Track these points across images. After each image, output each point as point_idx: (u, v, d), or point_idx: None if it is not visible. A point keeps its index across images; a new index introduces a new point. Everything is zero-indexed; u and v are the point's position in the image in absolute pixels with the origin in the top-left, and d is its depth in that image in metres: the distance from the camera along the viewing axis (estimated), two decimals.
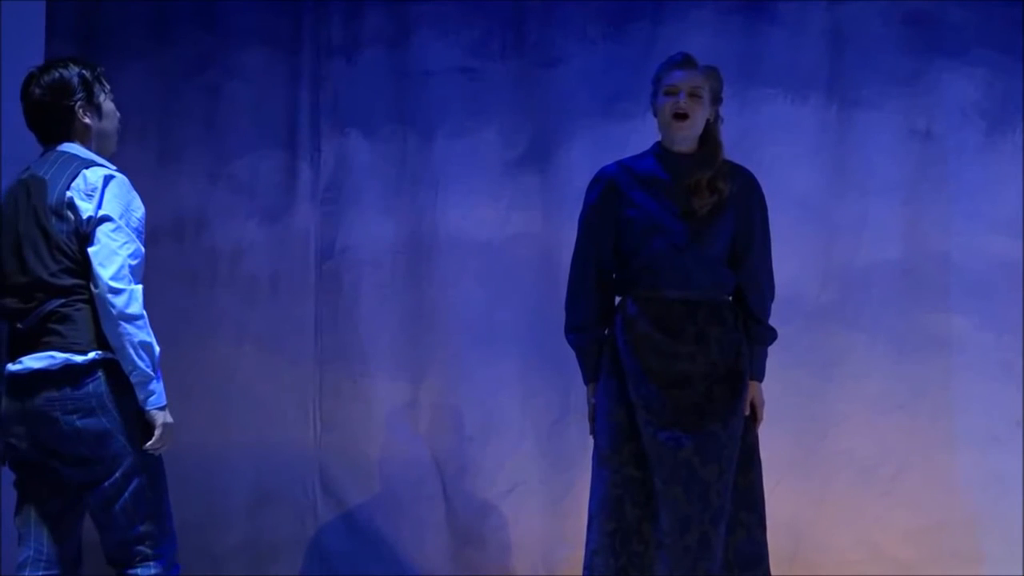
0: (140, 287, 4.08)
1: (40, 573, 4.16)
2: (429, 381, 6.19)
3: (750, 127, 5.99)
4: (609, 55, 6.16)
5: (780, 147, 6.03)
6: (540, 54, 6.21)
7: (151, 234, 6.16)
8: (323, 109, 6.28)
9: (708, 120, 4.82)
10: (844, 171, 6.06)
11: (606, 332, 4.87)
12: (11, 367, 4.14)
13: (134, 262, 4.09)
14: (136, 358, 4.05)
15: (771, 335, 4.88)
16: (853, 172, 6.05)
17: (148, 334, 4.07)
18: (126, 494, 4.10)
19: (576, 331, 4.88)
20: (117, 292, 4.03)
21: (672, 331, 4.74)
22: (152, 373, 4.08)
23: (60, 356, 4.07)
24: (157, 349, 4.10)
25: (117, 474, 4.09)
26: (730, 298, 4.84)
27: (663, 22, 6.13)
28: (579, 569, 4.82)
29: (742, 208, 4.82)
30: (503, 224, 6.19)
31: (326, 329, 6.22)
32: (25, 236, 4.13)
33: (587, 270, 4.87)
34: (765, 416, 4.89)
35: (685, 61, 4.81)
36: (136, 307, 4.05)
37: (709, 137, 4.83)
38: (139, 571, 4.12)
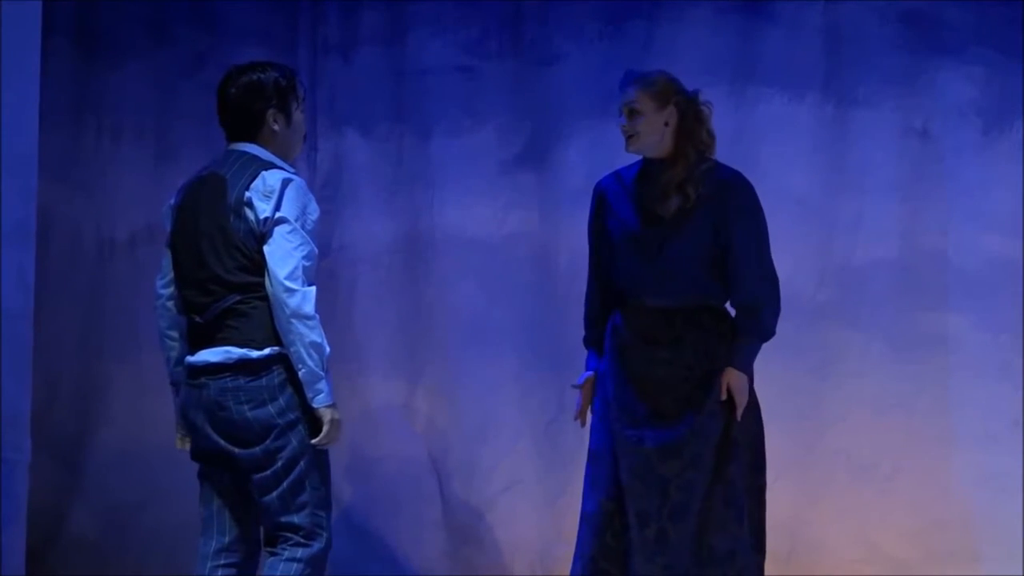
0: (313, 288, 4.17)
1: (221, 561, 4.25)
2: (426, 380, 6.19)
3: (747, 126, 6.00)
4: (606, 54, 6.16)
5: (777, 146, 6.03)
6: (537, 53, 6.21)
7: (148, 233, 6.22)
8: (320, 108, 6.28)
9: (667, 123, 4.72)
10: (841, 170, 6.06)
11: None
12: (190, 358, 4.26)
13: (308, 263, 4.17)
14: (306, 356, 4.14)
15: (756, 327, 4.74)
16: (850, 171, 6.05)
17: (319, 335, 4.16)
18: (284, 484, 4.17)
19: (589, 345, 4.91)
20: (291, 292, 4.12)
21: (651, 339, 4.73)
22: (321, 372, 4.16)
23: (237, 351, 4.18)
24: (327, 350, 4.19)
25: (278, 464, 4.17)
26: (714, 303, 4.80)
27: (660, 21, 6.13)
28: None
29: (717, 212, 4.70)
30: (500, 223, 6.19)
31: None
32: (204, 232, 4.21)
33: (592, 283, 4.91)
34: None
35: (623, 80, 4.74)
36: (309, 307, 4.14)
37: (677, 137, 4.73)
38: (284, 555, 4.18)
